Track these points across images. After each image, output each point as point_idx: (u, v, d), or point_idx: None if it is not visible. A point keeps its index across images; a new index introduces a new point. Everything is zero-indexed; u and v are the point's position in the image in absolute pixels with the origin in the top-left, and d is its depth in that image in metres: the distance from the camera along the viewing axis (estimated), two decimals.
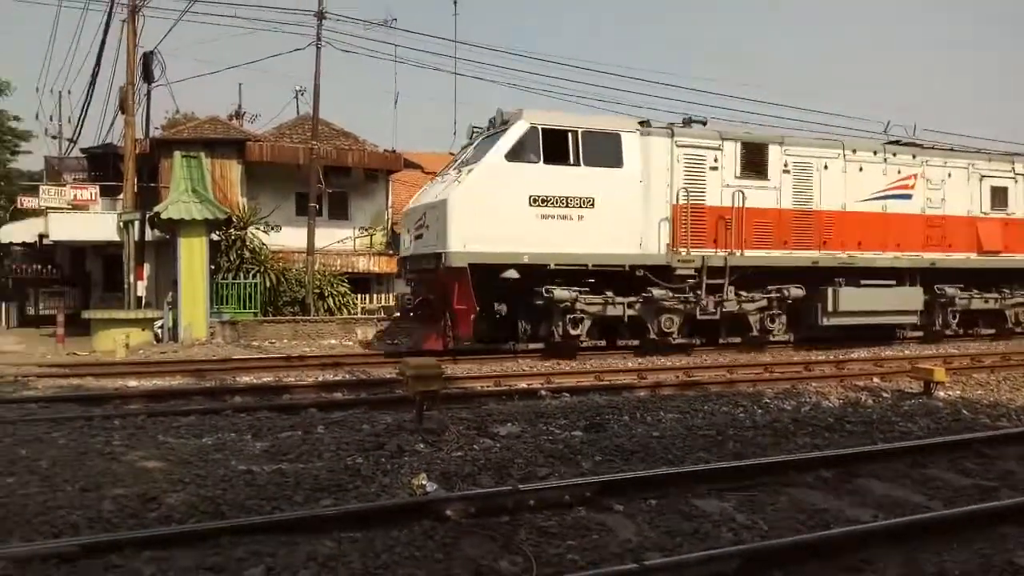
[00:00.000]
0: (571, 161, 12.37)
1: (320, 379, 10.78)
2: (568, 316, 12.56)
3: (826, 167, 14.11)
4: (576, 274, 12.64)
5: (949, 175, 15.28)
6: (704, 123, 14.23)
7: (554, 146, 12.29)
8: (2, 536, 3.89)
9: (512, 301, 13.00)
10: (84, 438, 6.45)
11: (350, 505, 4.52)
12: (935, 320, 15.44)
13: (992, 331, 16.37)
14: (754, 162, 13.60)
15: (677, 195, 13.00)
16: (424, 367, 7.13)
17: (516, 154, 12.12)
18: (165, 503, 4.50)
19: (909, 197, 14.85)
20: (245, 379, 10.78)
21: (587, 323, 12.86)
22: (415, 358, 9.49)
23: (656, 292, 12.92)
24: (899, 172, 14.78)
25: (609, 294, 12.89)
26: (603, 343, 13.50)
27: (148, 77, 20.73)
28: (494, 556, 3.74)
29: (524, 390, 9.54)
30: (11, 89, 22.52)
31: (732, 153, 13.49)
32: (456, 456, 5.79)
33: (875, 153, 14.71)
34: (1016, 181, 16.18)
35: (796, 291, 13.82)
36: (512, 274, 12.16)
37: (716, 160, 13.37)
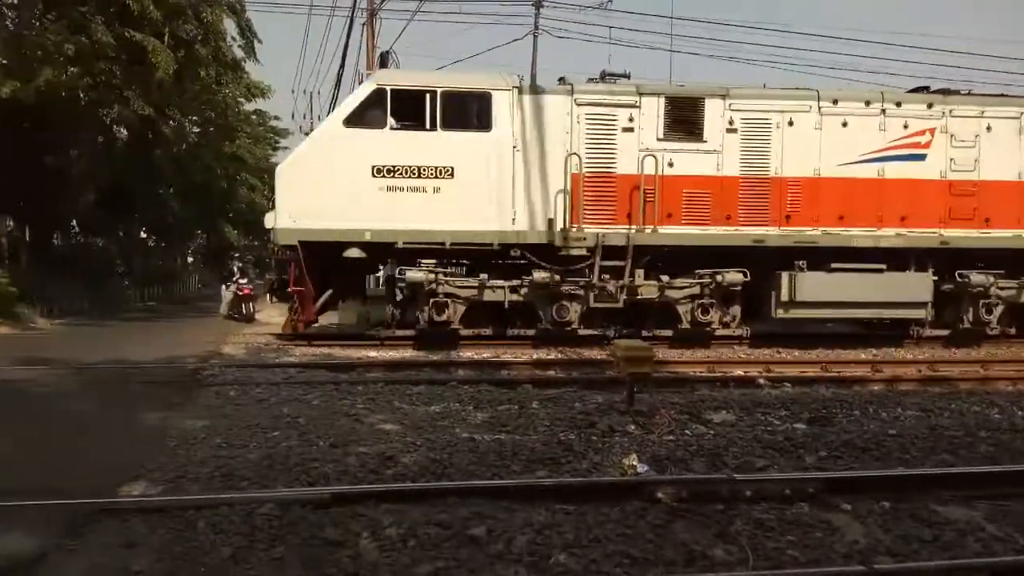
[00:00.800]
0: (427, 126, 10.87)
1: (534, 357, 11.07)
2: (432, 300, 11.32)
3: (791, 123, 11.46)
4: (451, 253, 11.63)
5: (988, 128, 11.75)
6: (627, 76, 11.98)
7: (406, 109, 10.90)
8: (269, 481, 4.53)
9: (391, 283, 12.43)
10: (333, 401, 7.28)
11: (565, 479, 4.68)
12: (964, 315, 12.12)
13: None
14: (684, 120, 11.28)
15: (578, 162, 11.11)
16: (635, 349, 7.13)
17: (358, 119, 10.85)
18: (400, 462, 4.96)
19: (922, 158, 11.66)
20: (467, 354, 11.37)
21: (459, 308, 11.50)
22: (625, 340, 9.49)
23: (537, 275, 11.22)
24: (905, 127, 11.62)
25: (483, 276, 11.41)
26: (488, 331, 12.32)
27: None
28: (707, 543, 3.68)
29: (740, 378, 9.21)
30: (271, 92, 25.81)
31: (654, 110, 11.26)
32: (667, 440, 5.75)
33: (867, 104, 11.64)
34: None
35: (733, 276, 11.46)
36: (355, 252, 11.03)
37: (632, 119, 11.25)
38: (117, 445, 5.36)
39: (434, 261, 11.52)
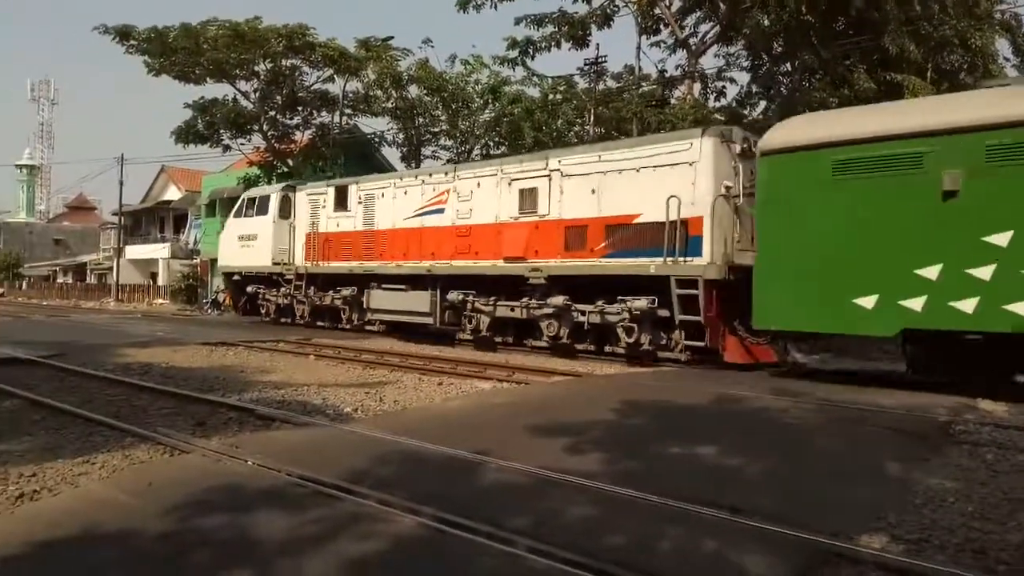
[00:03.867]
0: (250, 215, 20.34)
1: None
2: (258, 301, 20.64)
3: (382, 195, 16.91)
4: (263, 279, 20.48)
5: (479, 185, 14.55)
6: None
7: (246, 207, 20.63)
8: None
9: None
10: None
11: None
12: (466, 324, 14.91)
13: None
14: (342, 199, 18.06)
15: (310, 226, 18.84)
16: None
17: (238, 212, 21.13)
18: None
19: (442, 211, 15.30)
20: None
21: (271, 306, 20.24)
22: None
23: (276, 289, 19.92)
24: (434, 190, 15.58)
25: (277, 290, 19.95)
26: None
27: None
28: None
29: None
30: None
31: (331, 195, 18.39)
32: None
33: (416, 177, 16.55)
34: (550, 178, 13.08)
35: (347, 291, 17.65)
36: (236, 276, 21.22)
37: (324, 202, 18.54)
38: (855, 488, 5.23)
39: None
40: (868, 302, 9.01)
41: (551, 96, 27.30)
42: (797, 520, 4.20)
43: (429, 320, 15.28)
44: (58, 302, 40.74)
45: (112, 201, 43.05)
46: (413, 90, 29.28)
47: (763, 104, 24.60)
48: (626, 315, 11.73)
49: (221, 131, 28.97)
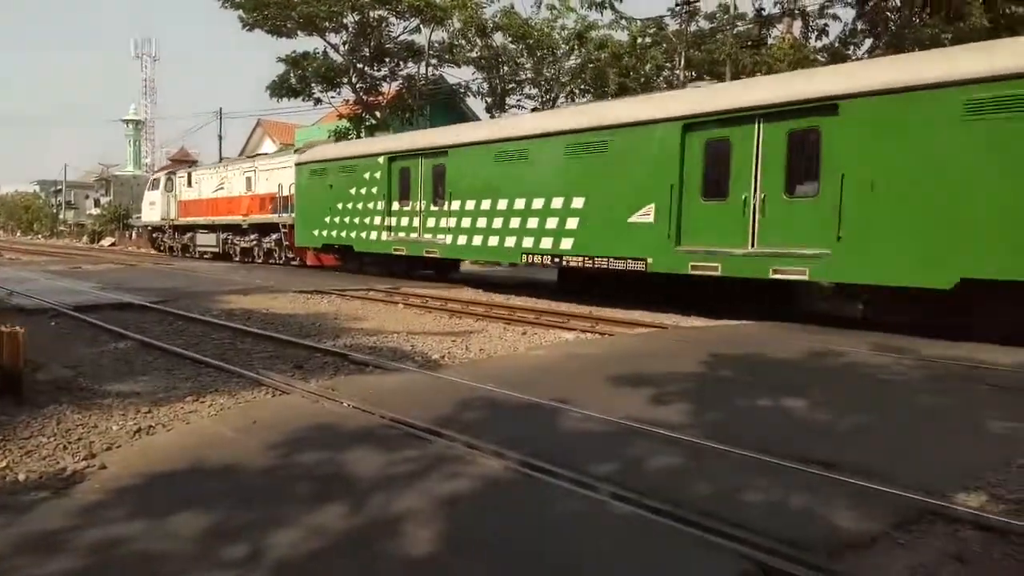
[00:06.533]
0: (154, 189, 31.62)
1: None
2: (157, 241, 32.91)
3: (205, 179, 28.08)
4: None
5: (233, 175, 25.90)
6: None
7: (151, 186, 32.25)
8: None
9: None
10: None
11: None
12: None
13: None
14: (190, 180, 29.00)
15: (178, 196, 29.75)
16: None
17: (149, 187, 32.54)
18: None
19: (223, 188, 26.36)
20: None
21: (165, 244, 31.76)
22: None
23: (163, 233, 31.72)
24: (221, 177, 26.60)
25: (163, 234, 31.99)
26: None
27: None
28: None
29: None
30: None
31: (186, 178, 29.32)
32: None
33: (214, 169, 27.94)
34: (255, 171, 24.66)
35: (189, 234, 29.24)
36: (149, 227, 33.32)
37: (184, 182, 29.25)
38: (956, 447, 5.01)
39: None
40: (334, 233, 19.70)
41: (640, 40, 26.45)
42: (890, 477, 4.08)
43: (216, 250, 26.92)
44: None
45: (212, 154, 44.93)
46: (498, 38, 28.98)
47: (868, 43, 23.05)
48: (272, 242, 24.10)
49: (312, 85, 29.60)
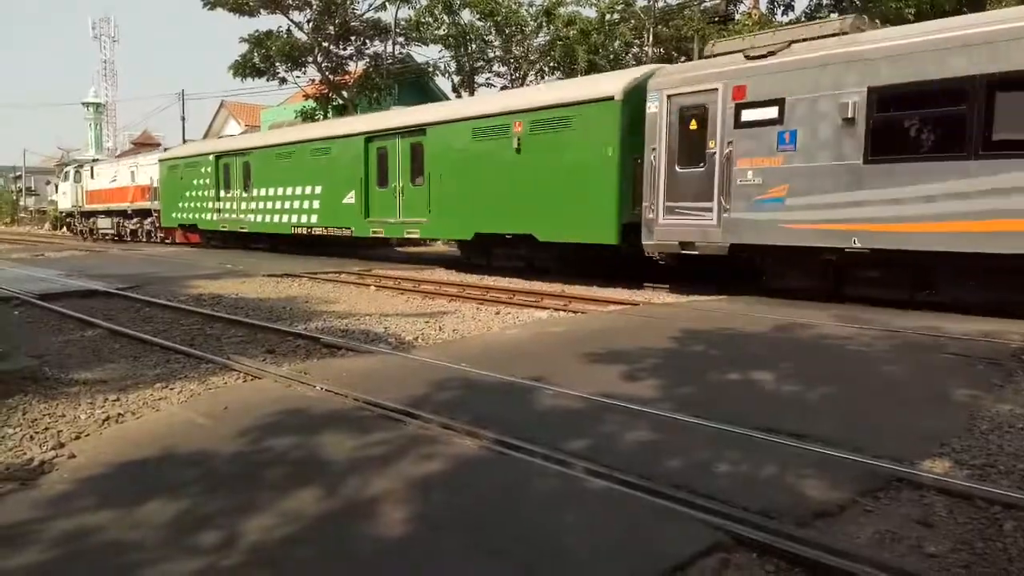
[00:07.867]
0: (66, 180, 35.66)
1: None
2: (70, 225, 36.32)
3: (103, 172, 31.72)
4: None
5: (122, 169, 30.00)
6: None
7: (63, 177, 36.52)
8: None
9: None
10: None
11: None
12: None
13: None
14: (93, 173, 32.43)
15: (85, 185, 32.98)
16: None
17: (62, 179, 37.68)
18: None
19: (115, 179, 30.09)
20: None
21: (76, 228, 34.93)
22: None
23: (74, 219, 35.63)
24: (114, 170, 30.53)
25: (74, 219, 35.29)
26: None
27: None
28: None
29: None
30: None
31: (92, 169, 32.85)
32: None
33: (110, 164, 32.56)
34: (137, 167, 28.70)
35: (93, 219, 32.61)
36: (64, 213, 37.49)
37: (89, 174, 32.80)
38: (920, 415, 5.14)
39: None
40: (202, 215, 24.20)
41: (608, 16, 26.33)
42: (857, 446, 4.17)
43: (113, 232, 30.75)
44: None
45: (176, 136, 44.01)
46: (465, 15, 28.65)
47: (834, 17, 23.15)
48: (149, 223, 28.26)
49: (277, 64, 29.03)
